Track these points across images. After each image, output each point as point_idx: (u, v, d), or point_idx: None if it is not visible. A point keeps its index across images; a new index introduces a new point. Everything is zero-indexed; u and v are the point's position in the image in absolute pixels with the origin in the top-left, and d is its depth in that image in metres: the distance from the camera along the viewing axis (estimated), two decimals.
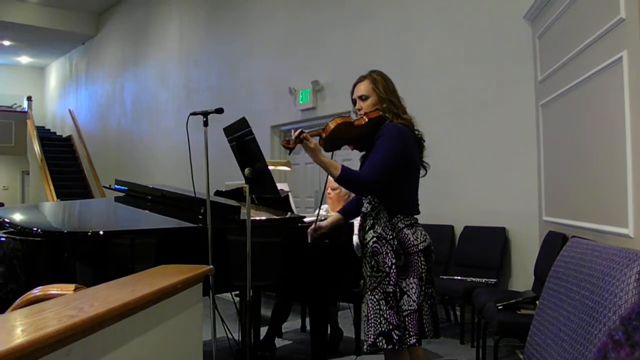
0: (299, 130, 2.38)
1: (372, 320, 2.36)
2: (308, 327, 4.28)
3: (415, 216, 2.47)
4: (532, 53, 4.41)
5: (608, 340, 0.95)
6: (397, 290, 2.33)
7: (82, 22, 12.70)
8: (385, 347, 2.32)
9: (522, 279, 4.46)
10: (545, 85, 4.07)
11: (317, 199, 6.72)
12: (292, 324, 4.69)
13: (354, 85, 2.56)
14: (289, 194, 4.16)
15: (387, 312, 2.32)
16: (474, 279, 4.40)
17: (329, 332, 3.94)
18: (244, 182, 2.84)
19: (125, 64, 11.54)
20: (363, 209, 2.52)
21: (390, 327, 2.31)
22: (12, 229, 2.80)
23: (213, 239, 2.68)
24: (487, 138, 4.84)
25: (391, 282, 2.33)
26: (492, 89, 4.84)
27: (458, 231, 4.83)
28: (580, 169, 3.37)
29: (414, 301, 2.33)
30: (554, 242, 3.60)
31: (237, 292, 3.58)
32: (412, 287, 2.34)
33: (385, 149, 2.35)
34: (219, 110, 2.73)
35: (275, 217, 3.42)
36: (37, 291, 1.69)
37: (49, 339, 1.09)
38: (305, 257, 3.13)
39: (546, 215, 4.13)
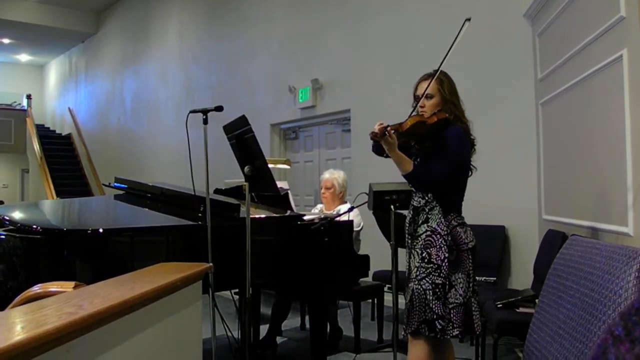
0: (385, 124, 2.45)
1: (417, 308, 2.47)
2: (308, 326, 4.28)
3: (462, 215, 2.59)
4: (532, 51, 4.41)
5: (608, 336, 0.95)
6: (447, 283, 2.45)
7: (82, 20, 12.68)
8: (427, 334, 2.45)
9: (521, 277, 4.46)
10: (546, 84, 4.07)
11: (316, 197, 6.73)
12: (291, 322, 4.69)
13: (418, 82, 2.65)
14: (289, 192, 4.17)
15: (434, 302, 2.43)
16: None
17: (328, 330, 3.95)
18: (243, 180, 2.84)
19: (125, 62, 11.53)
20: (415, 203, 2.61)
21: (435, 316, 2.43)
22: (12, 227, 2.79)
23: (213, 236, 2.68)
24: (487, 136, 4.80)
25: (442, 274, 2.44)
26: (492, 88, 4.84)
27: None
28: (580, 168, 3.37)
29: (460, 295, 2.45)
30: (553, 241, 3.60)
31: (237, 290, 3.58)
32: (460, 282, 2.46)
33: (454, 151, 2.49)
34: (219, 108, 2.73)
35: (274, 215, 3.43)
36: (37, 288, 1.69)
37: (49, 336, 1.09)
38: (305, 255, 3.14)
39: (546, 213, 4.13)
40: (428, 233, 2.51)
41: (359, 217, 4.05)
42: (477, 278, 4.26)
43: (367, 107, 5.83)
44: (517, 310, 3.27)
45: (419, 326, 2.46)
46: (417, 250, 2.54)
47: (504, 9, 4.72)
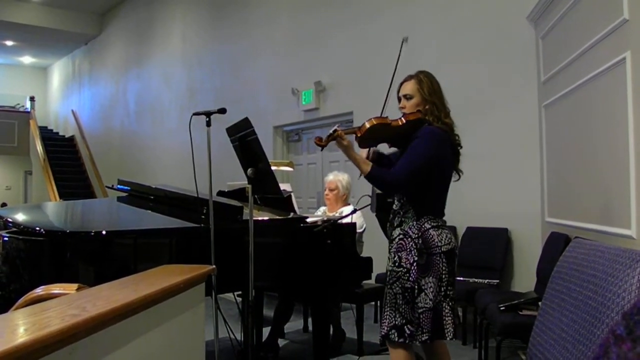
0: (333, 129, 2.49)
1: (388, 313, 2.45)
2: (310, 328, 4.27)
3: (444, 218, 2.53)
4: (535, 54, 4.40)
5: (610, 336, 0.95)
6: (416, 287, 2.39)
7: (85, 22, 12.71)
8: (396, 340, 2.40)
9: (524, 280, 4.45)
10: (549, 86, 4.06)
11: (319, 199, 6.72)
12: (294, 324, 4.69)
13: (401, 84, 2.62)
14: (292, 194, 4.17)
15: (403, 306, 2.40)
16: (476, 280, 4.39)
17: (331, 332, 3.94)
18: (246, 182, 2.84)
19: (128, 65, 11.55)
20: (394, 207, 2.59)
21: (404, 321, 2.39)
22: (15, 229, 2.80)
23: (215, 239, 2.68)
24: (490, 139, 4.84)
25: (410, 278, 2.40)
26: (495, 90, 4.83)
27: (461, 232, 4.82)
28: (583, 170, 3.36)
29: (430, 300, 2.38)
30: (556, 243, 3.60)
31: (240, 292, 3.59)
32: (430, 286, 2.39)
33: (418, 151, 2.43)
34: (222, 111, 2.73)
35: (277, 217, 3.43)
36: (39, 290, 1.70)
37: (52, 338, 1.09)
38: (308, 257, 3.13)
39: (549, 216, 4.12)
40: (400, 236, 2.48)
41: (361, 219, 4.04)
42: (478, 280, 4.31)
43: (370, 109, 5.79)
44: (520, 313, 3.27)
45: (388, 331, 2.42)
46: (391, 253, 2.51)
47: (507, 12, 4.72)
